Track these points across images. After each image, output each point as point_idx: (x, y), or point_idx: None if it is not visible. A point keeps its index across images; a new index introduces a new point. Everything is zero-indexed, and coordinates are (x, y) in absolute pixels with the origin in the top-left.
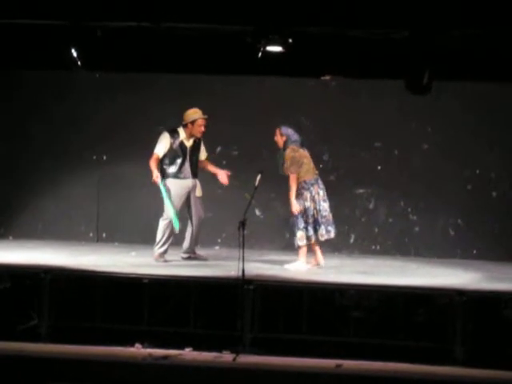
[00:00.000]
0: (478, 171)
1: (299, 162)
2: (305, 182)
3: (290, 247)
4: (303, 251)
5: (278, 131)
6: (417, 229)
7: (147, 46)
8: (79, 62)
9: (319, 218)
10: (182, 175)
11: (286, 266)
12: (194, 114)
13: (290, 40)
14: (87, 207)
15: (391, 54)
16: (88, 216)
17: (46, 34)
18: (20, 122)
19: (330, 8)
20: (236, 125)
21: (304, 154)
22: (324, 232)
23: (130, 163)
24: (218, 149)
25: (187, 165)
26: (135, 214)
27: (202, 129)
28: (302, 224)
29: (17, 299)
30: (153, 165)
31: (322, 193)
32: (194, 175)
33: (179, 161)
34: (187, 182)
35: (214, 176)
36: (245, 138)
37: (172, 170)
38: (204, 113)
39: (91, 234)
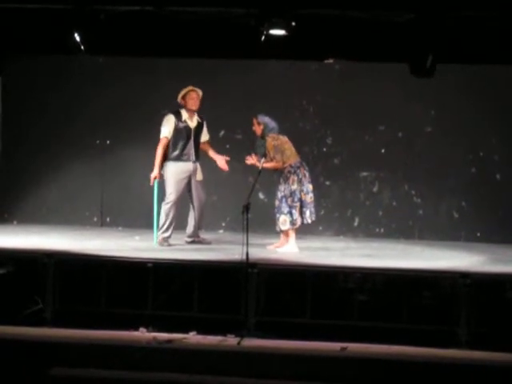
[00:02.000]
0: (481, 154)
1: (281, 149)
2: (290, 165)
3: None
4: (291, 234)
5: (254, 120)
6: (421, 212)
7: (150, 30)
8: (82, 47)
9: (306, 199)
10: (184, 157)
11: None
12: (184, 89)
13: (293, 23)
14: (91, 192)
15: (395, 36)
16: (92, 200)
17: (48, 18)
18: (23, 106)
19: None
20: (239, 109)
21: (284, 139)
22: (309, 214)
23: (133, 148)
24: (222, 133)
25: (191, 146)
26: (139, 199)
27: (195, 101)
28: (286, 208)
29: (21, 284)
30: (159, 154)
31: (307, 174)
32: (197, 157)
33: (182, 142)
34: (188, 166)
35: (214, 166)
36: (248, 121)
37: (175, 152)
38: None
39: (95, 219)
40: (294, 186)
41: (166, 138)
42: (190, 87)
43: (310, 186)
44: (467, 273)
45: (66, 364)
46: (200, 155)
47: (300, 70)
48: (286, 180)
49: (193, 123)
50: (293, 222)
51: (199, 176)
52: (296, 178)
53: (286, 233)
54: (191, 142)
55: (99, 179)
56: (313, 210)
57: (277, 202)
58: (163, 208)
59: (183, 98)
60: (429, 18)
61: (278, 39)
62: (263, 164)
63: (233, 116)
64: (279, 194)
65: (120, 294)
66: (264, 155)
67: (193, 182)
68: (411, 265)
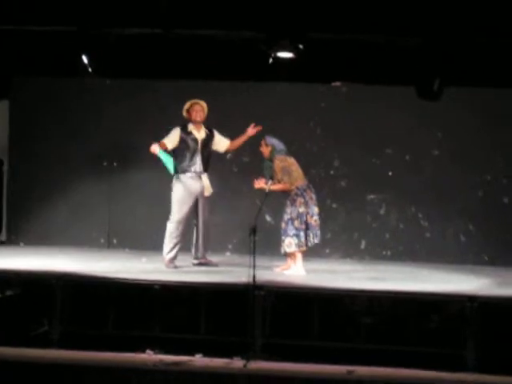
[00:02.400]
0: (489, 177)
1: (289, 171)
2: (297, 188)
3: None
4: (298, 257)
5: (262, 142)
6: (428, 235)
7: (158, 52)
8: (90, 69)
9: (312, 222)
10: (192, 168)
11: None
12: (189, 102)
13: (301, 46)
14: (98, 213)
15: (402, 60)
16: (99, 222)
17: (56, 40)
18: (31, 128)
19: (341, 14)
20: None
21: (291, 161)
22: (313, 237)
23: (140, 169)
24: (229, 155)
25: (198, 158)
26: (146, 220)
27: (201, 113)
28: (292, 231)
29: (28, 305)
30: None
31: (314, 197)
32: (205, 169)
33: (189, 154)
34: (196, 185)
35: (247, 141)
36: (255, 144)
37: (182, 163)
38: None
39: (102, 240)
40: (301, 209)
41: (163, 143)
42: (194, 100)
43: (316, 209)
44: (475, 296)
45: None
46: (208, 168)
47: (307, 92)
48: (293, 202)
49: (200, 135)
50: (299, 245)
51: (207, 191)
52: (303, 201)
53: (291, 255)
54: (198, 154)
55: (106, 201)
56: (318, 232)
57: (283, 225)
58: (167, 227)
59: (187, 111)
60: (436, 42)
61: (285, 62)
62: (270, 186)
63: None
64: (286, 217)
65: (127, 316)
66: (271, 177)
67: (200, 202)
68: (418, 288)
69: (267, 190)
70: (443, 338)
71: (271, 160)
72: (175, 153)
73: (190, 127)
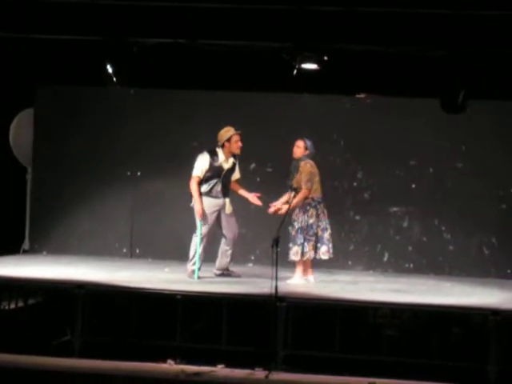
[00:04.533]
0: None
1: (314, 179)
2: (313, 199)
3: (321, 264)
4: (300, 265)
5: (303, 143)
6: (451, 247)
7: (182, 62)
8: (114, 78)
9: (324, 235)
10: (212, 194)
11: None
12: (228, 131)
13: (325, 58)
14: (121, 223)
15: (426, 72)
16: (122, 232)
17: (82, 49)
18: (55, 137)
19: (366, 25)
20: (270, 142)
21: (316, 171)
22: (326, 250)
23: (164, 179)
24: (253, 165)
25: (219, 186)
26: (169, 230)
27: (239, 144)
28: (300, 240)
29: (51, 314)
30: (196, 190)
31: (326, 212)
32: (225, 195)
33: (213, 181)
34: (217, 201)
35: (245, 199)
36: (279, 154)
37: (204, 188)
38: (237, 129)
39: (125, 250)
40: (312, 220)
41: (198, 177)
42: (232, 130)
43: (328, 224)
44: (498, 310)
45: None
46: (229, 192)
47: (332, 103)
48: (305, 212)
49: (227, 165)
50: (302, 254)
51: (228, 209)
52: (315, 213)
53: (299, 263)
54: (221, 181)
55: (129, 210)
56: (330, 246)
57: (293, 233)
58: (193, 241)
59: (228, 140)
60: (461, 54)
61: (310, 73)
62: (293, 199)
63: (264, 149)
64: (296, 225)
65: (149, 326)
66: (294, 182)
67: (223, 215)
68: (441, 301)
69: (291, 202)
70: (465, 352)
71: (299, 161)
72: None
73: (221, 157)
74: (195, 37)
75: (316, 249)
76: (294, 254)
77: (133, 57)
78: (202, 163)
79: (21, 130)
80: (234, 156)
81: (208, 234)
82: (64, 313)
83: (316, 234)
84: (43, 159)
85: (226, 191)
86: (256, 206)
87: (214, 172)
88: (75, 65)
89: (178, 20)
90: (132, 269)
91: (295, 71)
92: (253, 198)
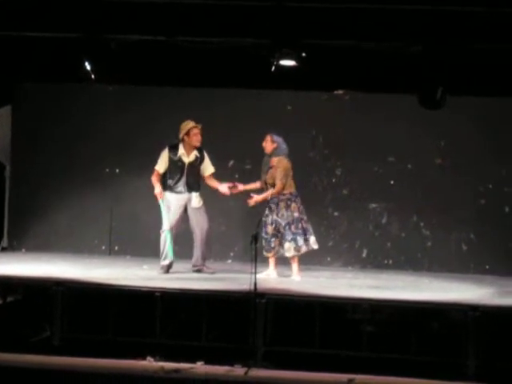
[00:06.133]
0: (490, 186)
1: (288, 174)
2: (291, 193)
3: (300, 261)
4: (295, 261)
5: (269, 137)
6: (429, 243)
7: (161, 59)
8: (93, 75)
9: (308, 226)
10: (177, 189)
11: (292, 278)
12: (187, 125)
13: (304, 54)
14: (100, 220)
15: (405, 68)
16: (101, 229)
17: (60, 46)
18: (33, 134)
19: (343, 22)
20: (248, 139)
21: (289, 166)
22: (314, 240)
23: (142, 176)
24: (231, 162)
25: (183, 180)
26: (148, 228)
27: (199, 137)
28: (290, 236)
29: (29, 311)
30: (154, 180)
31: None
32: (190, 190)
33: (176, 176)
34: (181, 196)
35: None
36: (258, 151)
37: (169, 183)
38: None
39: (104, 247)
40: (296, 214)
41: (157, 170)
42: (191, 123)
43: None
44: (476, 305)
45: None
46: (197, 186)
47: (310, 100)
48: (288, 207)
49: (188, 158)
50: (297, 249)
51: (194, 203)
52: (297, 206)
53: (293, 259)
54: (184, 176)
55: (108, 207)
56: (314, 238)
57: (281, 229)
58: (161, 237)
59: (187, 134)
60: (437, 49)
61: (288, 69)
62: (268, 194)
63: (242, 146)
64: (283, 222)
65: (127, 323)
66: (266, 172)
67: (189, 209)
68: (420, 297)
69: (269, 198)
70: (444, 347)
71: (271, 157)
72: (165, 171)
73: (180, 150)
74: (174, 34)
75: (305, 241)
76: (287, 250)
77: (111, 54)
78: (161, 158)
79: None
80: (200, 150)
81: (174, 229)
82: (43, 310)
83: (303, 227)
84: (22, 156)
85: (193, 185)
86: (225, 195)
87: (176, 166)
88: (53, 62)
89: (156, 17)
90: (111, 266)
91: (273, 68)
92: (223, 188)
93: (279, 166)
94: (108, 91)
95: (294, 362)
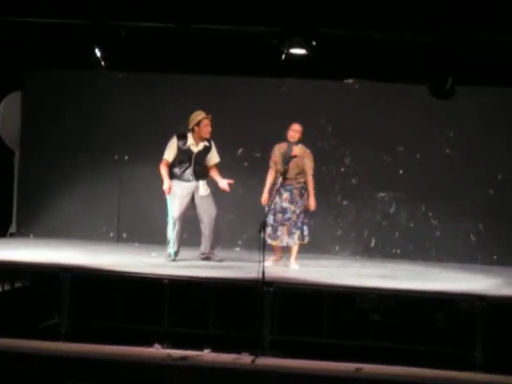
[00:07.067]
0: (500, 176)
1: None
2: (305, 182)
3: (308, 250)
4: (295, 249)
5: (298, 126)
6: (438, 233)
7: (171, 46)
8: (103, 62)
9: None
10: (184, 177)
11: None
12: (198, 116)
13: (314, 43)
14: (108, 207)
15: (415, 58)
16: (109, 216)
17: (70, 33)
18: (43, 121)
19: (355, 11)
20: (258, 127)
21: None
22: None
23: (151, 163)
24: (240, 150)
25: (190, 169)
26: (156, 215)
27: (209, 128)
28: (300, 224)
29: (37, 298)
30: (163, 171)
31: None
32: (197, 178)
33: (184, 165)
34: (188, 184)
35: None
36: (267, 140)
37: (177, 171)
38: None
39: (112, 234)
40: (307, 203)
41: (166, 159)
42: (202, 114)
43: None
44: (484, 296)
45: (79, 379)
46: (204, 175)
47: (319, 89)
48: (302, 196)
49: (197, 148)
50: (301, 238)
51: (202, 191)
52: (306, 196)
53: (294, 247)
54: (192, 166)
55: (117, 194)
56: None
57: (294, 216)
58: (168, 225)
59: (197, 125)
60: (449, 40)
61: (298, 58)
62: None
63: (251, 134)
64: (297, 210)
65: (135, 310)
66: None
67: (196, 197)
68: (428, 287)
69: (277, 186)
70: (451, 337)
71: (297, 145)
72: (173, 160)
73: (190, 140)
74: (184, 21)
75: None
76: (293, 238)
77: (121, 40)
78: (169, 146)
79: (8, 114)
80: (209, 140)
81: (181, 217)
82: (51, 296)
83: (308, 218)
84: (31, 143)
85: (200, 174)
86: (224, 190)
87: (184, 155)
88: (63, 48)
89: (167, 4)
90: (119, 253)
91: (283, 56)
92: (222, 183)
93: (308, 156)
94: (118, 78)
95: (302, 350)
